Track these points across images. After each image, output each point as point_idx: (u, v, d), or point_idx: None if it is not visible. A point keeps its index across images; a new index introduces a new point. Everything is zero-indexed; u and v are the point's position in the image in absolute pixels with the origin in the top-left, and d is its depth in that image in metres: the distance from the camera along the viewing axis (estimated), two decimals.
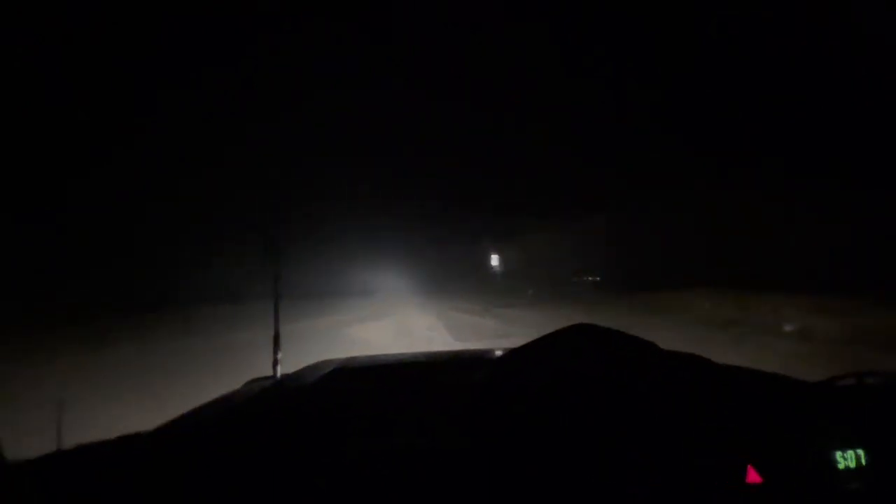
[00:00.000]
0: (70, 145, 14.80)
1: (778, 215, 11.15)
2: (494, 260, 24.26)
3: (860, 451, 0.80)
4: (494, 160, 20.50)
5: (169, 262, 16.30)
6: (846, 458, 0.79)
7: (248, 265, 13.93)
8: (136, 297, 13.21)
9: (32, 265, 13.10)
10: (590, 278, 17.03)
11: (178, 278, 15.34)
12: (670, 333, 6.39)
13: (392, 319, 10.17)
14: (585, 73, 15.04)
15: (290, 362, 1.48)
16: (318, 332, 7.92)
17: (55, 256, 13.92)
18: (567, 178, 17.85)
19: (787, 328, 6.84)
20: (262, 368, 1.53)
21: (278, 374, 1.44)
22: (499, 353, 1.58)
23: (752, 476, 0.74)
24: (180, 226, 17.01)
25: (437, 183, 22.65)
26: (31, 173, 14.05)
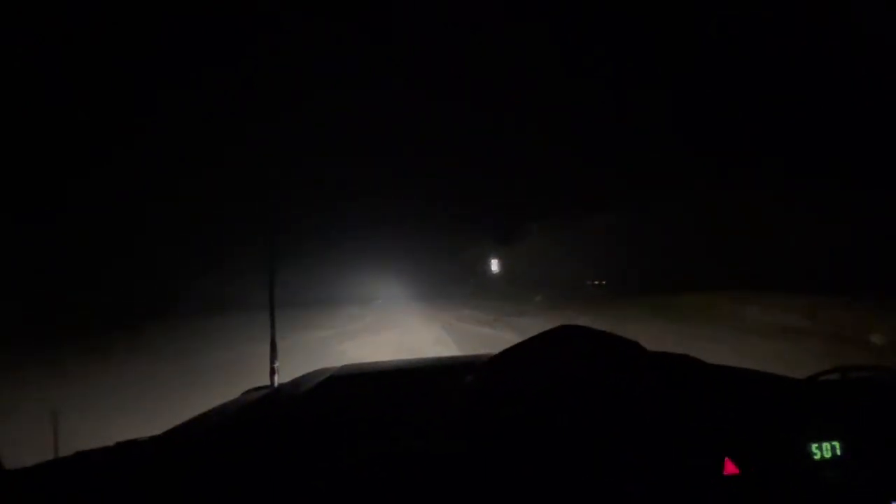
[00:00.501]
0: (69, 147, 14.85)
1: (786, 214, 10.99)
2: (494, 265, 24.00)
3: (835, 443, 0.85)
4: (493, 161, 20.43)
5: (169, 267, 16.34)
6: (822, 450, 0.84)
7: (247, 271, 13.91)
8: (135, 305, 13.21)
9: (32, 269, 13.15)
10: (596, 282, 16.72)
11: (178, 284, 15.36)
12: (731, 347, 5.73)
13: (393, 332, 9.17)
14: (587, 73, 15.00)
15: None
16: (308, 348, 7.34)
17: (54, 260, 13.96)
18: (567, 177, 17.78)
19: (875, 339, 5.42)
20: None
21: (275, 383, 1.47)
22: (486, 357, 1.61)
23: (730, 468, 0.79)
24: (180, 230, 17.06)
25: (434, 185, 22.55)
26: (29, 177, 14.11)
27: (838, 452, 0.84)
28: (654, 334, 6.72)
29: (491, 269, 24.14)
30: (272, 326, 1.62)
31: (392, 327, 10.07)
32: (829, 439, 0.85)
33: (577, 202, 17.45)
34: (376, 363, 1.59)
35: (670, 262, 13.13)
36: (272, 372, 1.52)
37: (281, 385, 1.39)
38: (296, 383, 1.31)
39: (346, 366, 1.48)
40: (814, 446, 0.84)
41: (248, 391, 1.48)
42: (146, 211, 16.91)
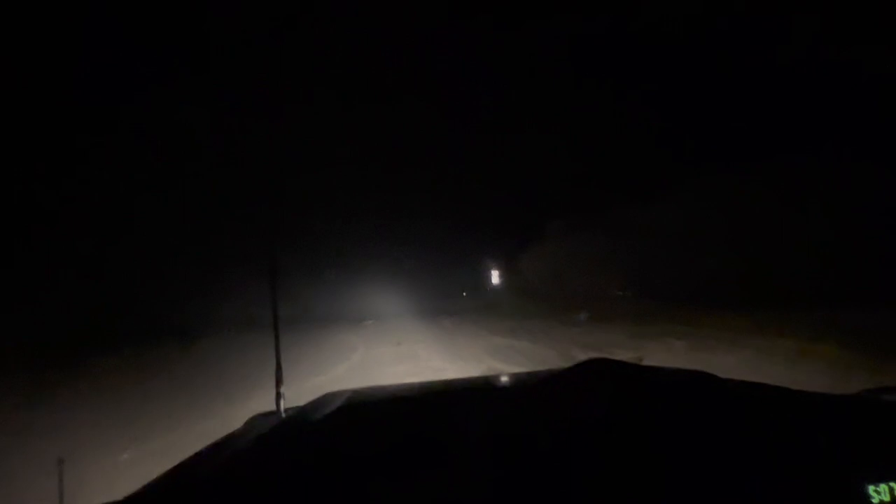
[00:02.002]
0: (69, 155, 15.34)
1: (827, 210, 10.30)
2: (495, 277, 23.60)
3: (894, 485, 0.80)
4: (499, 163, 20.50)
5: (166, 284, 16.59)
6: (880, 493, 0.80)
7: (249, 289, 14.03)
8: (131, 325, 13.37)
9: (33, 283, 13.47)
10: (620, 293, 16.12)
11: (176, 303, 15.55)
12: None
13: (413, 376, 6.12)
14: (595, 70, 15.15)
15: None
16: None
17: (51, 272, 14.28)
18: (578, 178, 17.61)
19: None
20: None
21: (282, 409, 1.46)
22: (511, 379, 1.60)
23: None
24: (179, 244, 17.40)
25: (437, 189, 22.65)
26: (35, 193, 14.56)
27: None
28: None
29: (498, 281, 23.77)
30: (277, 348, 1.63)
31: (403, 376, 6.62)
32: (888, 480, 0.81)
33: (588, 204, 17.25)
34: (391, 386, 1.57)
35: (703, 271, 12.52)
36: (278, 396, 1.52)
37: (289, 414, 1.38)
38: (305, 411, 1.30)
39: (358, 390, 1.47)
40: (871, 489, 0.80)
41: (254, 418, 1.47)
42: (144, 229, 17.30)
